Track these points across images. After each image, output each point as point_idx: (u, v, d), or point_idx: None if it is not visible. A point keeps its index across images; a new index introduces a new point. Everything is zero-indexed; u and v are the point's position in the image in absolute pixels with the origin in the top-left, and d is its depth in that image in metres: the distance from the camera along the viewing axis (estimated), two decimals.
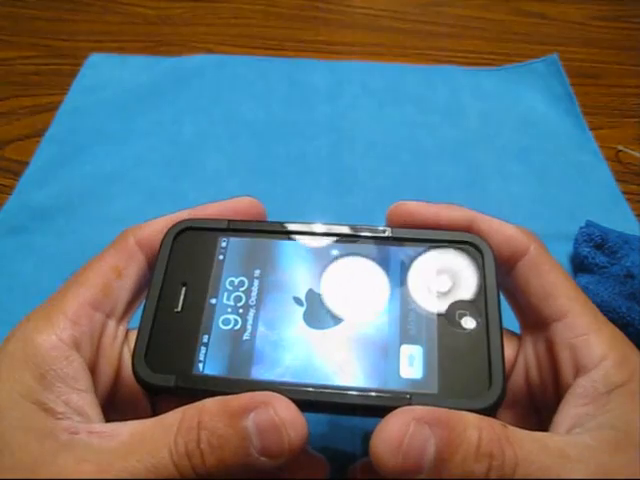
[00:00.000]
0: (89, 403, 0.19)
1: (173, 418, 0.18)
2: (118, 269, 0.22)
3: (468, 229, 0.23)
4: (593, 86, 0.54)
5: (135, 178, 0.45)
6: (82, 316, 0.20)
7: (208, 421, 0.18)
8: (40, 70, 0.54)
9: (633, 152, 0.46)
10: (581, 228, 0.39)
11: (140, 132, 0.48)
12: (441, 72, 0.54)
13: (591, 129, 0.49)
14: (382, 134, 0.48)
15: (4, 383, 0.19)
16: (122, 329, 0.23)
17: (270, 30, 0.59)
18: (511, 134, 0.48)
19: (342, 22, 0.61)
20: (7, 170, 0.46)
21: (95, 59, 0.54)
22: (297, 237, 0.23)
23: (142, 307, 0.22)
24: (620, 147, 0.47)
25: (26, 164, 0.45)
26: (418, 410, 0.18)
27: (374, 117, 0.50)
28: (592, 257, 0.37)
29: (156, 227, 0.23)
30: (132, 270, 0.23)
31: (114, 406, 0.22)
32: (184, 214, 0.24)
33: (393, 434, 0.17)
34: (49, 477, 0.17)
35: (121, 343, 0.23)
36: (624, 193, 0.44)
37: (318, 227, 0.24)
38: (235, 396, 0.18)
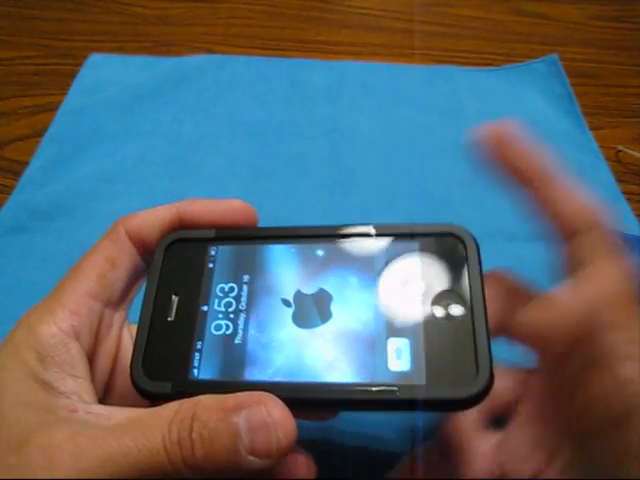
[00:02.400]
0: (85, 389, 0.20)
1: (170, 409, 0.19)
2: (112, 259, 0.23)
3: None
4: (593, 86, 0.54)
5: (135, 178, 0.45)
6: (81, 306, 0.21)
7: (202, 414, 0.18)
8: (40, 70, 0.55)
9: (633, 152, 0.46)
10: None
11: (140, 132, 0.48)
12: (441, 72, 0.54)
13: (591, 129, 0.49)
14: (382, 134, 0.48)
15: (9, 363, 0.20)
16: (118, 317, 0.24)
17: (270, 30, 0.59)
18: None
19: (342, 22, 0.61)
20: (7, 170, 0.46)
21: (95, 59, 0.54)
22: (282, 241, 0.24)
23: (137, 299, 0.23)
24: (620, 147, 0.47)
25: (26, 164, 0.45)
26: None
27: (374, 117, 0.50)
28: None
29: (145, 218, 0.24)
30: (125, 260, 0.23)
31: (111, 395, 0.23)
32: (172, 208, 0.24)
33: None
34: (42, 445, 0.18)
35: (118, 332, 0.23)
36: (624, 193, 0.44)
37: (302, 230, 0.24)
38: (230, 394, 0.19)
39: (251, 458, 0.18)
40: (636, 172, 0.46)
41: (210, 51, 0.57)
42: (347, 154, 0.47)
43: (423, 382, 0.20)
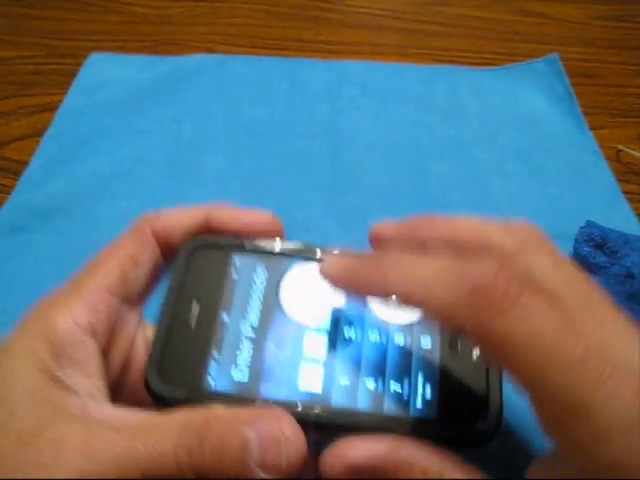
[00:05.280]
0: (98, 388, 0.20)
1: (183, 415, 0.19)
2: (135, 257, 0.22)
3: None
4: (593, 86, 0.54)
5: (135, 178, 0.44)
6: (100, 303, 0.21)
7: (214, 423, 0.18)
8: (40, 70, 0.54)
9: (633, 152, 0.46)
10: (581, 228, 0.39)
11: (140, 132, 0.48)
12: (441, 72, 0.54)
13: (591, 129, 0.49)
14: (382, 134, 0.48)
15: (21, 353, 0.19)
16: (134, 315, 0.23)
17: (270, 30, 0.59)
18: (511, 134, 0.48)
19: (342, 22, 0.61)
20: (7, 170, 0.46)
21: (95, 58, 0.54)
22: (307, 260, 0.24)
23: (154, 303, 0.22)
24: (620, 147, 0.47)
25: (26, 164, 0.45)
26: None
27: (374, 117, 0.50)
28: (592, 257, 0.37)
29: (173, 218, 0.24)
30: (147, 259, 0.23)
31: (121, 392, 0.23)
32: (201, 211, 0.24)
33: None
34: (52, 440, 0.17)
35: (133, 329, 0.23)
36: (624, 193, 0.44)
37: (329, 251, 0.24)
38: (244, 408, 0.19)
39: (260, 472, 0.18)
40: (636, 172, 0.46)
41: (210, 51, 0.57)
42: (347, 154, 0.47)
43: (434, 417, 0.20)
